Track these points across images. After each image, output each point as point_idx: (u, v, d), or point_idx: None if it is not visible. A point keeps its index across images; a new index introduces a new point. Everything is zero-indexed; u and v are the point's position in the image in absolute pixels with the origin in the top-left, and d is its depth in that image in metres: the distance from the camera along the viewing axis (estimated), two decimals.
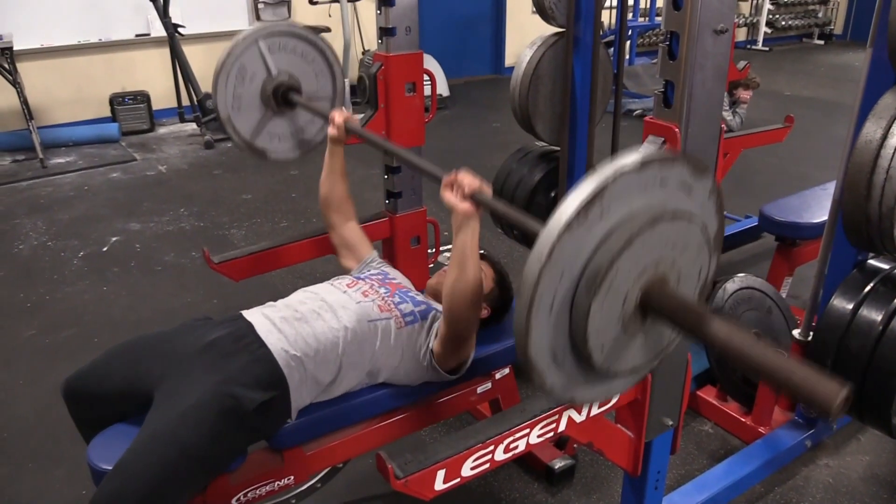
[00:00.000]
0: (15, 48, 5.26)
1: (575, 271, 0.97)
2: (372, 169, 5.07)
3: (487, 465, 1.62)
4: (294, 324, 1.68)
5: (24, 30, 5.67)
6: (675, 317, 1.02)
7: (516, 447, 1.64)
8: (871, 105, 1.66)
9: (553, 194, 2.87)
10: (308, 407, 1.68)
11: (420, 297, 1.89)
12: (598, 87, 2.53)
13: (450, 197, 1.54)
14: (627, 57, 7.68)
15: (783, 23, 10.83)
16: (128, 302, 3.37)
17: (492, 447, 1.64)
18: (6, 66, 5.15)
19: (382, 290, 1.85)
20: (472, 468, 1.57)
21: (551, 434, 1.70)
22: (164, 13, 5.64)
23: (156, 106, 6.29)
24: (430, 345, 1.76)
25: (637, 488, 1.75)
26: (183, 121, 6.22)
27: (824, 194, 3.02)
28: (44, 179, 5.08)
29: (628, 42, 7.55)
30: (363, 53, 7.12)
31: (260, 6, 6.25)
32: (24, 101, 5.22)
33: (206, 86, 5.87)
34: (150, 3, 5.67)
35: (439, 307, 1.87)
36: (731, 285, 2.46)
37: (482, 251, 2.19)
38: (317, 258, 2.54)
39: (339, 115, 2.07)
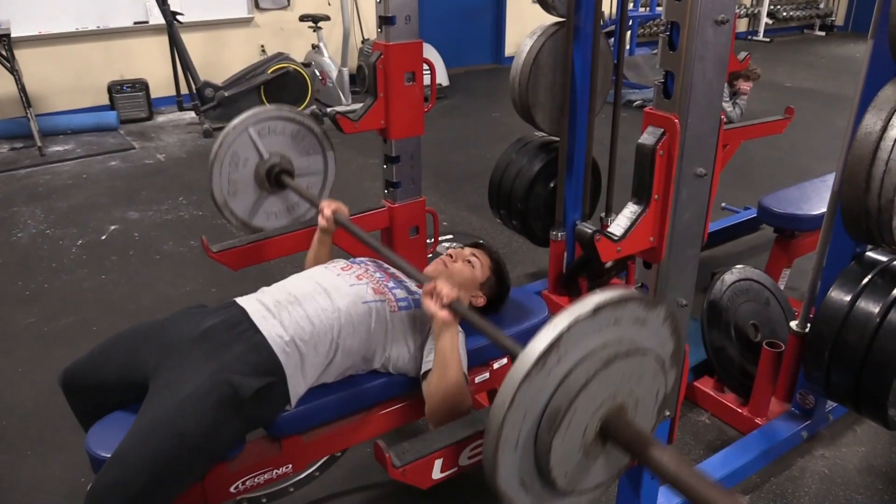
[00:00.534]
0: (13, 35, 5.24)
1: (536, 411, 1.07)
2: (370, 159, 5.06)
3: None
4: (288, 307, 1.69)
5: (22, 17, 5.64)
6: (628, 446, 1.12)
7: None
8: (871, 97, 1.66)
9: (552, 185, 2.87)
10: (307, 395, 1.69)
11: (414, 287, 1.89)
12: (598, 78, 2.52)
13: (430, 304, 1.65)
14: (628, 47, 7.65)
15: (784, 14, 10.79)
16: (126, 290, 3.37)
17: None
18: (4, 53, 5.12)
19: (377, 275, 1.87)
20: (470, 457, 1.58)
21: None
22: (162, 1, 5.61)
23: (154, 94, 6.27)
24: (423, 369, 1.76)
25: (634, 478, 1.76)
26: (182, 109, 6.19)
27: (823, 186, 3.02)
28: (42, 167, 5.07)
29: (629, 32, 7.52)
30: (363, 42, 7.09)
31: None
32: (22, 89, 5.20)
33: (204, 74, 5.87)
34: None
35: None
36: (729, 277, 2.46)
37: (480, 241, 2.20)
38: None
39: (327, 207, 2.09)
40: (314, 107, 6.25)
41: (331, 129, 2.49)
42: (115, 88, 6.06)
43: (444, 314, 1.63)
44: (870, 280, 1.92)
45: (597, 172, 2.89)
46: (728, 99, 5.69)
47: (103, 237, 3.95)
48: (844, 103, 6.57)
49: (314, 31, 6.39)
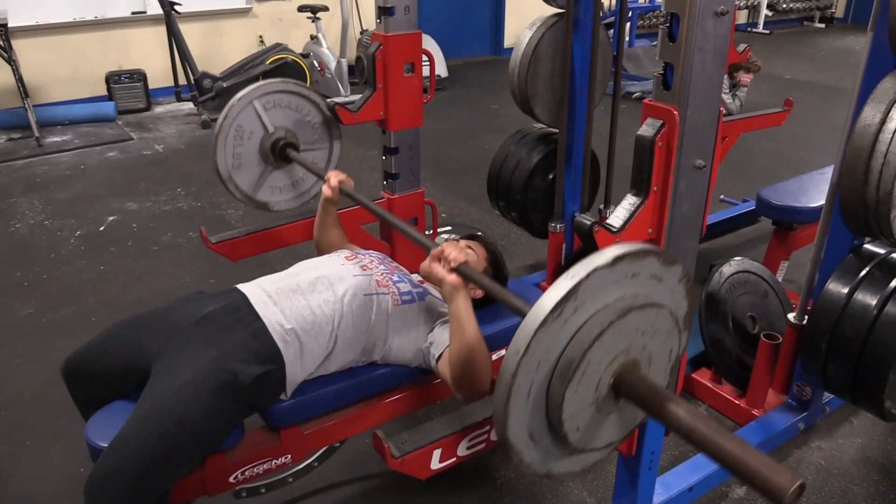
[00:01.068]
0: (10, 25, 5.22)
1: (550, 362, 1.04)
2: (370, 150, 5.06)
3: (483, 445, 1.64)
4: (290, 296, 1.69)
5: (19, 7, 5.62)
6: (642, 401, 1.09)
7: None
8: (870, 89, 1.66)
9: (551, 176, 2.87)
10: (305, 386, 1.69)
11: (418, 280, 1.89)
12: (598, 69, 2.52)
13: (437, 269, 1.61)
14: (627, 39, 7.63)
15: (784, 5, 10.77)
16: (125, 281, 3.37)
17: (487, 427, 1.65)
18: (1, 43, 5.09)
19: (382, 268, 1.86)
20: (468, 448, 1.59)
21: None
22: None
23: (152, 85, 6.24)
24: (435, 359, 1.75)
25: (631, 469, 1.76)
26: (180, 100, 6.18)
27: (822, 178, 3.02)
28: (40, 158, 5.06)
29: (628, 24, 7.50)
30: (361, 33, 7.07)
31: None
32: (20, 79, 5.19)
33: (202, 65, 5.85)
34: None
35: (436, 293, 1.88)
36: (727, 269, 2.47)
37: (478, 232, 2.20)
38: (314, 238, 2.54)
39: (334, 177, 2.10)
40: None
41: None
42: (112, 79, 6.04)
43: (453, 278, 1.59)
44: (867, 272, 1.93)
45: (596, 164, 2.89)
46: (727, 91, 5.68)
47: (101, 228, 3.94)
48: (843, 96, 6.56)
49: (313, 21, 6.37)
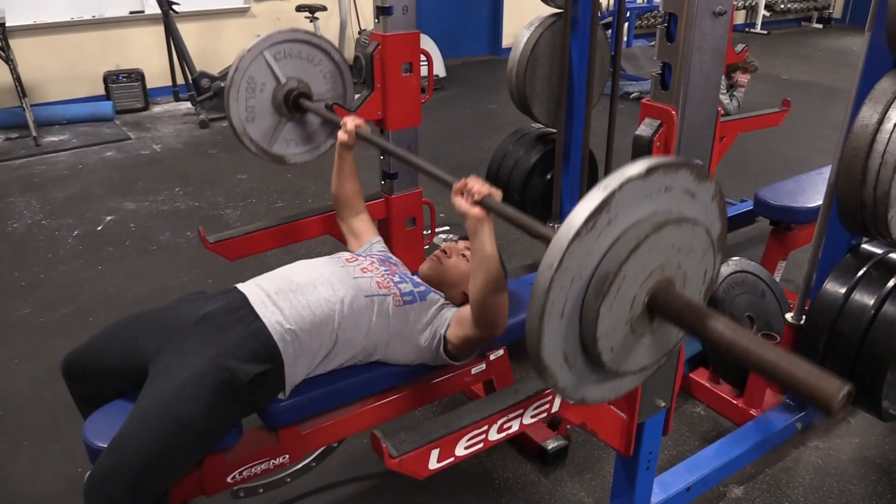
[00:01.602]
0: (7, 24, 5.20)
1: (584, 277, 1.01)
2: (368, 149, 5.05)
3: (481, 445, 1.64)
4: (289, 295, 1.69)
5: (17, 6, 5.61)
6: (680, 318, 1.06)
7: (510, 427, 1.65)
8: (868, 89, 1.66)
9: (549, 176, 2.87)
10: (304, 386, 1.69)
11: (419, 280, 1.89)
12: (596, 69, 2.52)
13: (461, 203, 1.59)
14: (625, 39, 7.64)
15: (782, 6, 10.78)
16: (123, 281, 3.36)
17: (486, 427, 1.65)
18: None
19: (382, 269, 1.86)
20: (466, 448, 1.59)
21: (544, 415, 1.72)
22: None
23: (150, 84, 6.23)
24: (443, 333, 1.77)
25: (629, 468, 1.76)
26: (178, 100, 6.17)
27: (819, 178, 3.03)
28: (37, 157, 5.05)
29: (626, 24, 7.51)
30: (359, 33, 7.06)
31: None
32: (17, 79, 5.17)
33: (200, 64, 5.84)
34: None
35: (437, 292, 1.88)
36: (724, 269, 2.47)
37: None
38: (312, 238, 2.53)
39: (350, 121, 2.10)
40: None
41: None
42: (110, 78, 6.02)
43: (477, 210, 1.57)
44: (865, 272, 1.93)
45: (593, 164, 2.89)
46: (725, 91, 5.69)
47: (99, 228, 3.94)
48: (841, 96, 6.57)
49: (311, 21, 6.36)
